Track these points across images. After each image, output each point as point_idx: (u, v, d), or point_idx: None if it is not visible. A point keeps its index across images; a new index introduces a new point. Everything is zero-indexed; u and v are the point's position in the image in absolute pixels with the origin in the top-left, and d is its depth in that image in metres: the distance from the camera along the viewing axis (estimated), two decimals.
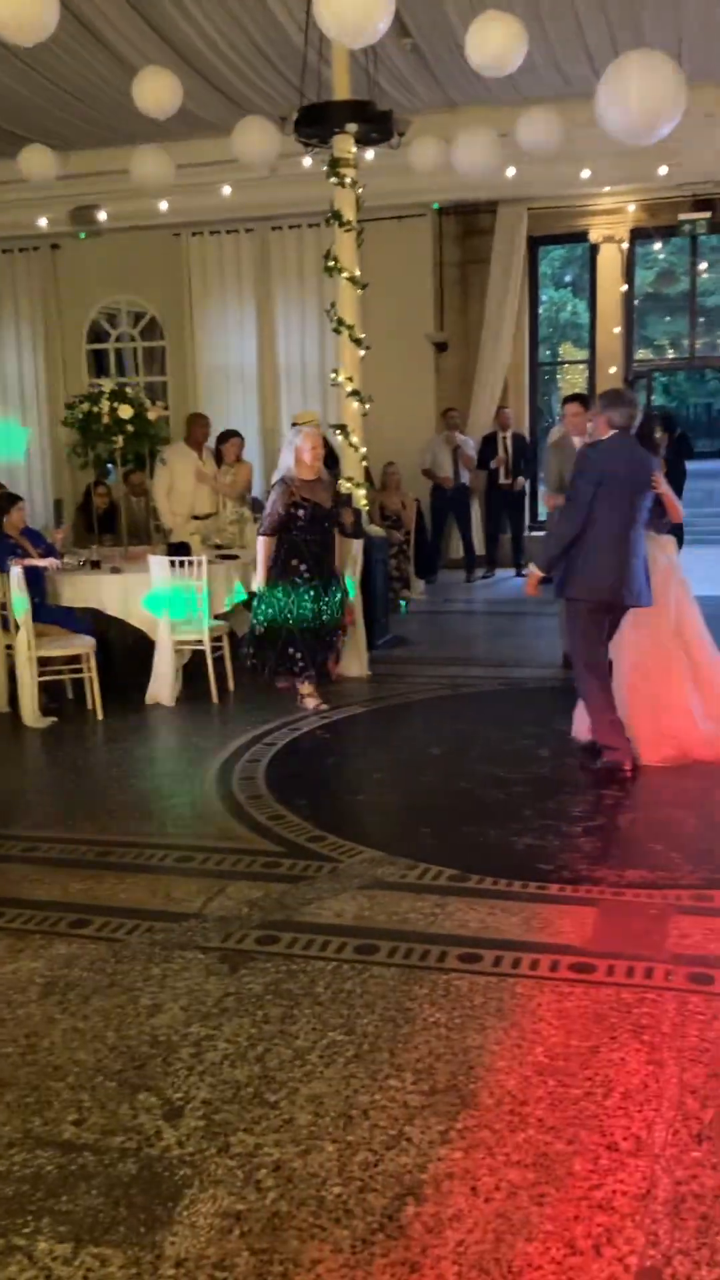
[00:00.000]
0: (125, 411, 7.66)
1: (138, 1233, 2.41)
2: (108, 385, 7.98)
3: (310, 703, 6.99)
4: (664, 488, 5.66)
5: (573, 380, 14.83)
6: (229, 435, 9.43)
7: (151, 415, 7.99)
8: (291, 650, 6.87)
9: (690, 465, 11.87)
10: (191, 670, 7.52)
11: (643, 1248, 2.32)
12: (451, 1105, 2.83)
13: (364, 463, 8.88)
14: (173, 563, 7.21)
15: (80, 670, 7.15)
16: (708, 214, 12.17)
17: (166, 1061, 3.08)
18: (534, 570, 5.74)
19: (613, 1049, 3.07)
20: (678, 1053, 3.04)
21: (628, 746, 5.54)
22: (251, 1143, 2.71)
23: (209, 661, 7.28)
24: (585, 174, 10.58)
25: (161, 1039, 3.20)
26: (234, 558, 8.01)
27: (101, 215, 11.63)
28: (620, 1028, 3.17)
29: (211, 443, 9.20)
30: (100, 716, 7.01)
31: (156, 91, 7.42)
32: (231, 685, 7.54)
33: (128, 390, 7.91)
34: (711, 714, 5.77)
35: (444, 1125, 2.75)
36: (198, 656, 7.41)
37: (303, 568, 6.87)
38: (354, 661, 7.90)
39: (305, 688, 7.03)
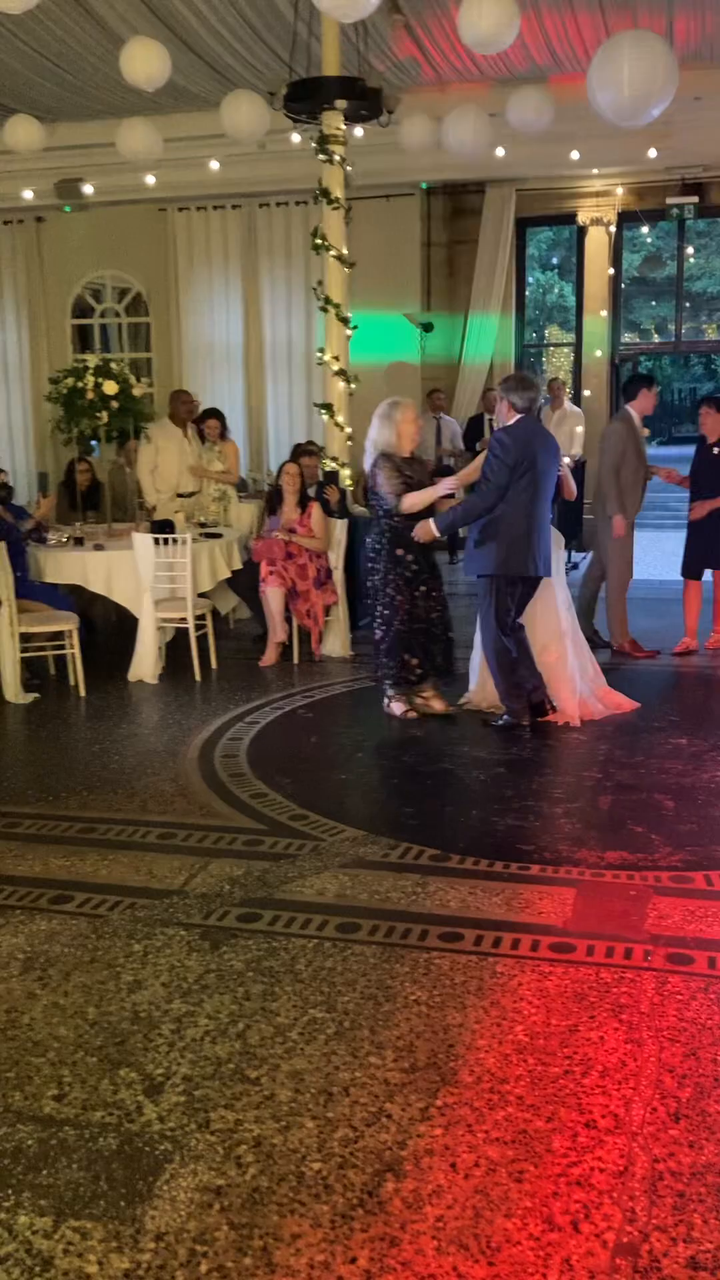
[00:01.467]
0: (110, 388, 7.60)
1: (118, 1207, 2.42)
2: (92, 360, 7.90)
3: (398, 707, 6.31)
4: (563, 468, 6.16)
5: (558, 364, 14.80)
6: (209, 414, 9.39)
7: (137, 391, 7.93)
8: (408, 657, 6.22)
9: (674, 450, 11.90)
10: (174, 648, 7.50)
11: (620, 1224, 2.34)
12: (431, 1083, 2.85)
13: (349, 442, 8.86)
14: (157, 540, 7.18)
15: (63, 647, 7.12)
16: (695, 198, 12.16)
17: (147, 1037, 3.09)
18: (431, 527, 5.99)
19: (592, 1028, 3.09)
20: (656, 1032, 3.07)
21: (525, 707, 6.03)
22: (232, 1118, 2.72)
23: (192, 639, 7.26)
24: (574, 155, 10.55)
25: (143, 1015, 3.21)
26: (218, 535, 7.98)
27: (87, 189, 11.53)
28: (599, 1007, 3.20)
29: None
30: (83, 693, 6.98)
31: (145, 63, 7.34)
32: (214, 663, 7.52)
33: (112, 366, 7.84)
34: (586, 676, 6.34)
35: (424, 1102, 2.77)
36: (181, 634, 7.39)
37: (410, 558, 6.17)
38: (337, 641, 7.90)
39: (427, 691, 6.38)
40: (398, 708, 6.34)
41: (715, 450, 7.61)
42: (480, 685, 6.48)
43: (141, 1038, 3.09)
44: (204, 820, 4.79)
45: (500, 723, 6.05)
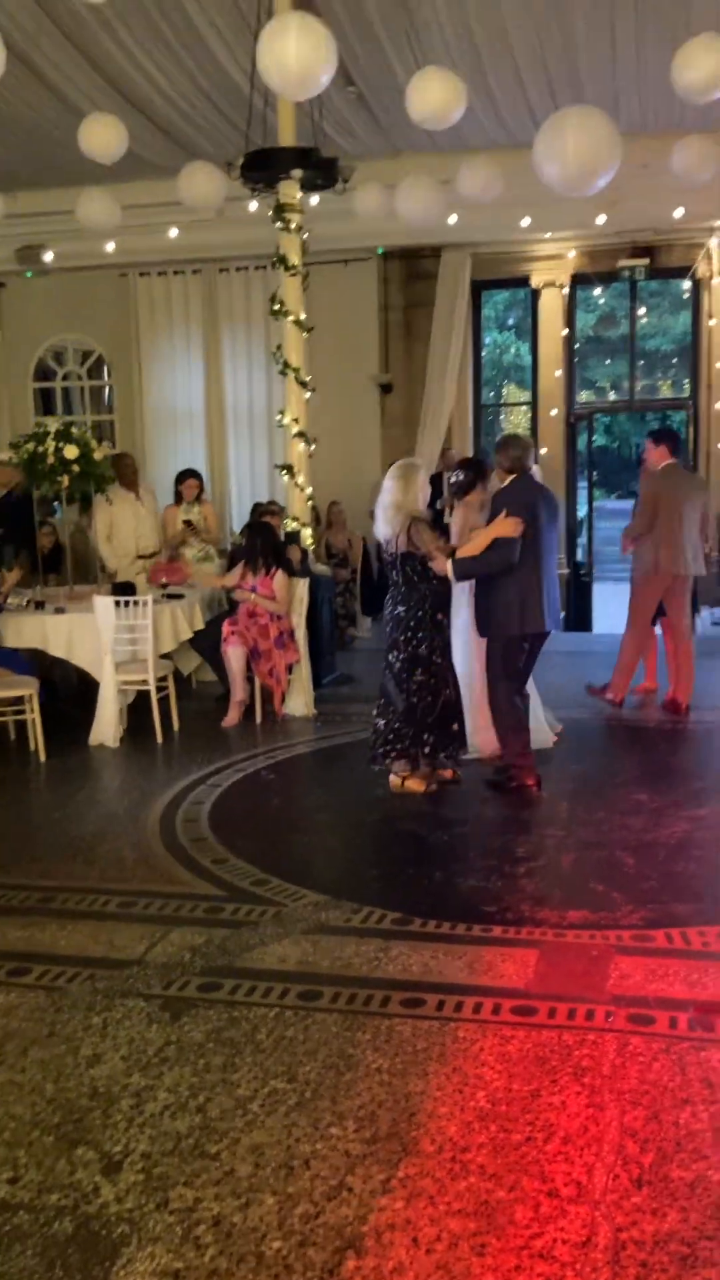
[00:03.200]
0: (71, 452, 7.64)
1: None
2: (53, 424, 7.94)
3: (417, 785, 6.04)
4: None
5: (516, 421, 15.03)
6: (187, 475, 9.45)
7: (98, 455, 7.98)
8: (456, 726, 6.02)
9: (625, 504, 12.10)
10: (136, 710, 7.47)
11: None
12: (393, 1153, 2.82)
13: (310, 502, 8.93)
14: (118, 603, 7.18)
15: (23, 711, 7.07)
16: (646, 260, 12.45)
17: (106, 1114, 3.04)
18: (448, 566, 5.79)
19: (554, 1092, 3.08)
20: (618, 1095, 3.06)
21: (533, 764, 5.94)
22: (191, 1197, 2.67)
23: (154, 701, 7.24)
24: (525, 222, 10.79)
25: (101, 1090, 3.16)
26: (180, 596, 7.99)
27: (48, 255, 11.65)
28: (561, 1071, 3.19)
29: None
30: (43, 758, 6.93)
31: (102, 137, 7.47)
32: (176, 725, 7.49)
33: (73, 430, 7.89)
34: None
35: (385, 1174, 2.74)
36: (143, 696, 7.36)
37: (446, 622, 6.05)
38: (299, 700, 7.90)
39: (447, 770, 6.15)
40: (414, 784, 6.00)
41: None
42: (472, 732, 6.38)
43: (100, 1114, 3.04)
44: (165, 887, 4.75)
45: (514, 784, 5.92)
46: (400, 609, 5.98)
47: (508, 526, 5.69)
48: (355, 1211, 2.60)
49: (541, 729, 6.64)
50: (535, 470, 6.30)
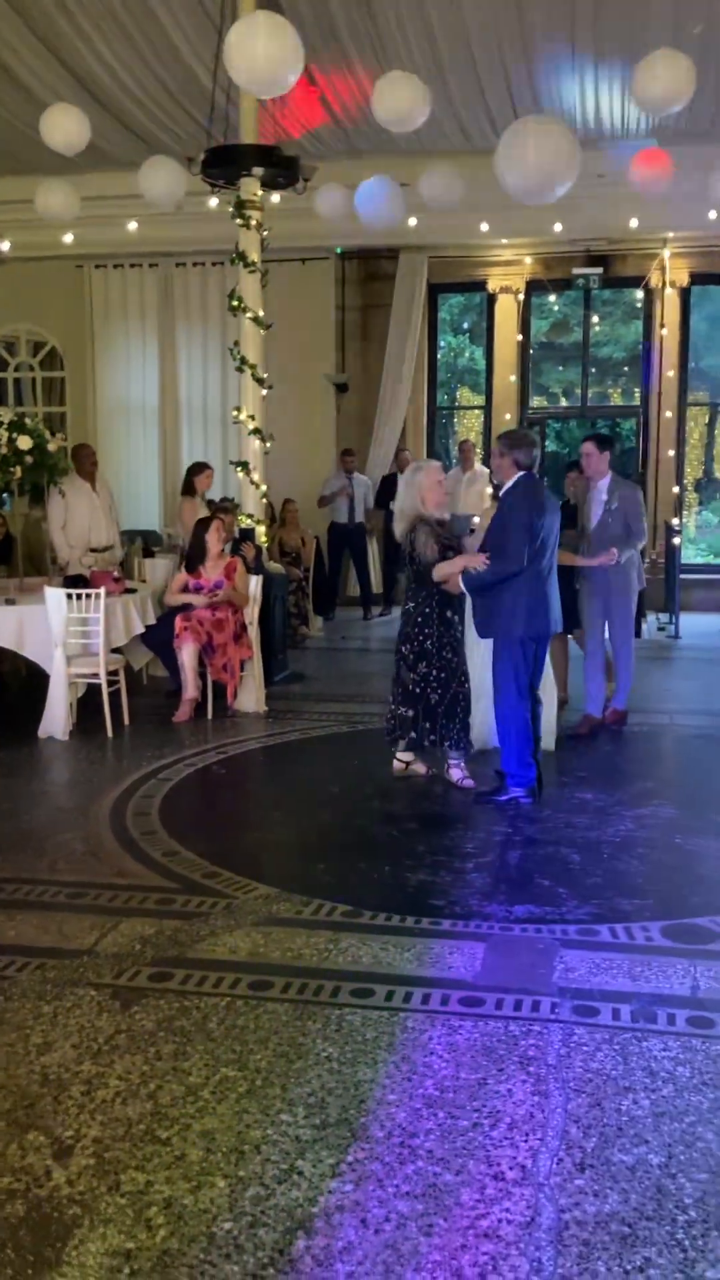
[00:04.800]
0: (24, 442, 7.60)
1: (25, 1275, 2.39)
2: (6, 415, 7.89)
3: (459, 776, 6.13)
4: None
5: (469, 424, 15.15)
6: (203, 467, 9.35)
7: (51, 446, 7.94)
8: (464, 721, 6.07)
9: None
10: (87, 704, 7.45)
11: (527, 1274, 2.39)
12: (342, 1138, 2.87)
13: (264, 499, 8.96)
14: (69, 595, 7.16)
15: None
16: (600, 269, 12.65)
17: (57, 1100, 3.05)
18: (461, 582, 5.75)
19: (500, 1081, 3.14)
20: (563, 1083, 3.13)
21: (533, 776, 5.84)
22: (142, 1180, 2.70)
23: (104, 695, 7.22)
24: (484, 227, 10.90)
25: (52, 1077, 3.17)
26: (132, 591, 7.98)
27: (4, 245, 11.55)
28: (508, 1060, 3.25)
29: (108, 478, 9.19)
30: None
31: (64, 129, 7.45)
32: (127, 719, 7.48)
33: (27, 421, 7.84)
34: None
35: (335, 1158, 2.78)
36: (93, 690, 7.35)
37: (457, 619, 6.05)
38: (251, 697, 7.92)
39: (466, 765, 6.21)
40: (457, 774, 6.10)
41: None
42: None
43: (51, 1100, 3.05)
44: (115, 879, 4.76)
45: (507, 798, 5.79)
46: (410, 604, 6.10)
47: (476, 563, 5.71)
48: (305, 1194, 2.65)
49: (551, 733, 6.64)
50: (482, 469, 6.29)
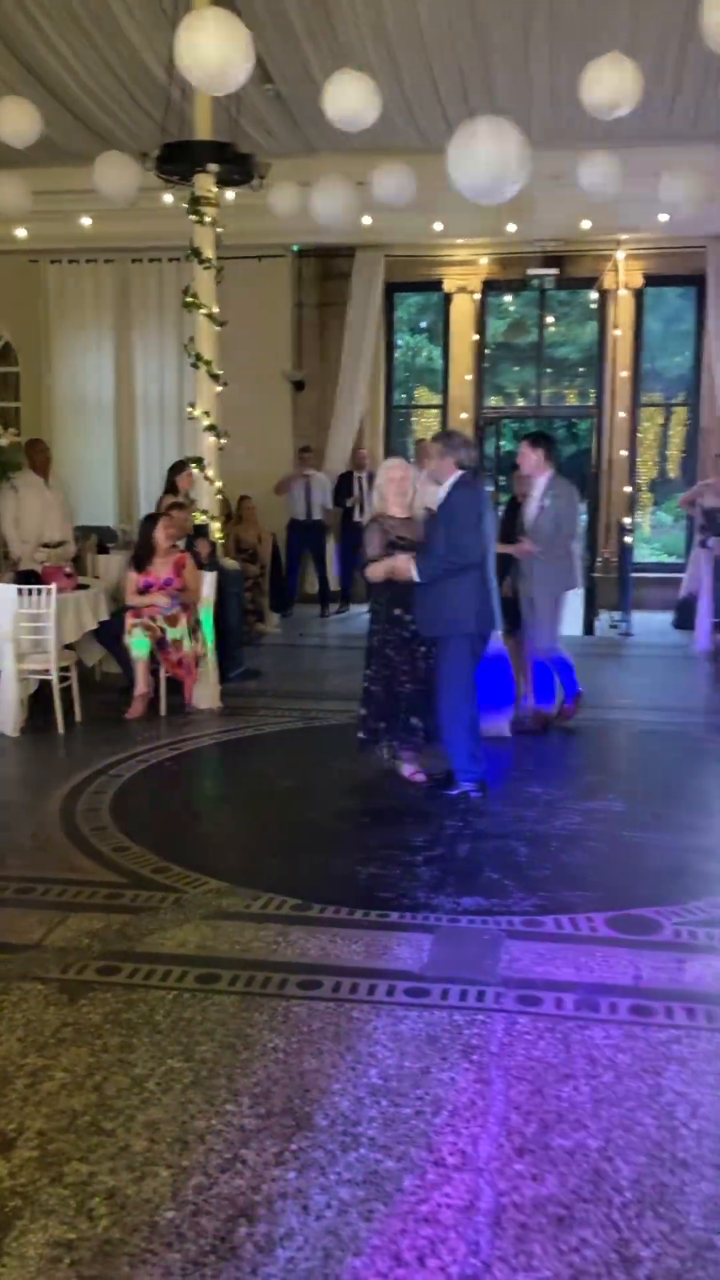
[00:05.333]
0: None
1: None
2: None
3: (411, 771, 6.15)
4: None
5: (427, 424, 15.21)
6: (184, 465, 9.22)
7: (4, 441, 7.89)
8: (415, 720, 5.97)
9: None
10: (38, 700, 7.41)
11: (464, 1257, 2.42)
12: (286, 1128, 2.89)
13: (219, 496, 8.95)
14: (20, 590, 7.12)
15: None
16: (555, 270, 12.75)
17: (1, 1093, 3.05)
18: (412, 569, 5.76)
19: (443, 1069, 3.18)
20: (505, 1071, 3.18)
21: (482, 770, 5.89)
22: (85, 1171, 2.71)
23: (55, 691, 7.19)
24: (438, 226, 10.96)
25: None
26: (84, 587, 7.95)
27: None
28: (451, 1049, 3.29)
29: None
30: None
31: (16, 121, 7.41)
32: (79, 716, 7.45)
33: None
34: None
35: (278, 1147, 2.81)
36: (45, 686, 7.31)
37: (408, 618, 5.96)
38: (206, 694, 7.91)
39: (419, 760, 6.20)
40: (407, 769, 6.11)
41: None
42: None
43: None
44: (64, 874, 4.75)
45: (458, 792, 5.82)
46: (368, 602, 6.20)
47: (401, 570, 5.79)
48: (248, 1182, 2.67)
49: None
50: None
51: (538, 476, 7.21)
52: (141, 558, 7.94)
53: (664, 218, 9.96)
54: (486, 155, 5.76)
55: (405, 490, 6.02)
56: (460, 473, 5.81)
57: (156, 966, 3.83)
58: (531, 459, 7.21)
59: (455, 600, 5.73)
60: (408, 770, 6.14)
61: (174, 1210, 2.56)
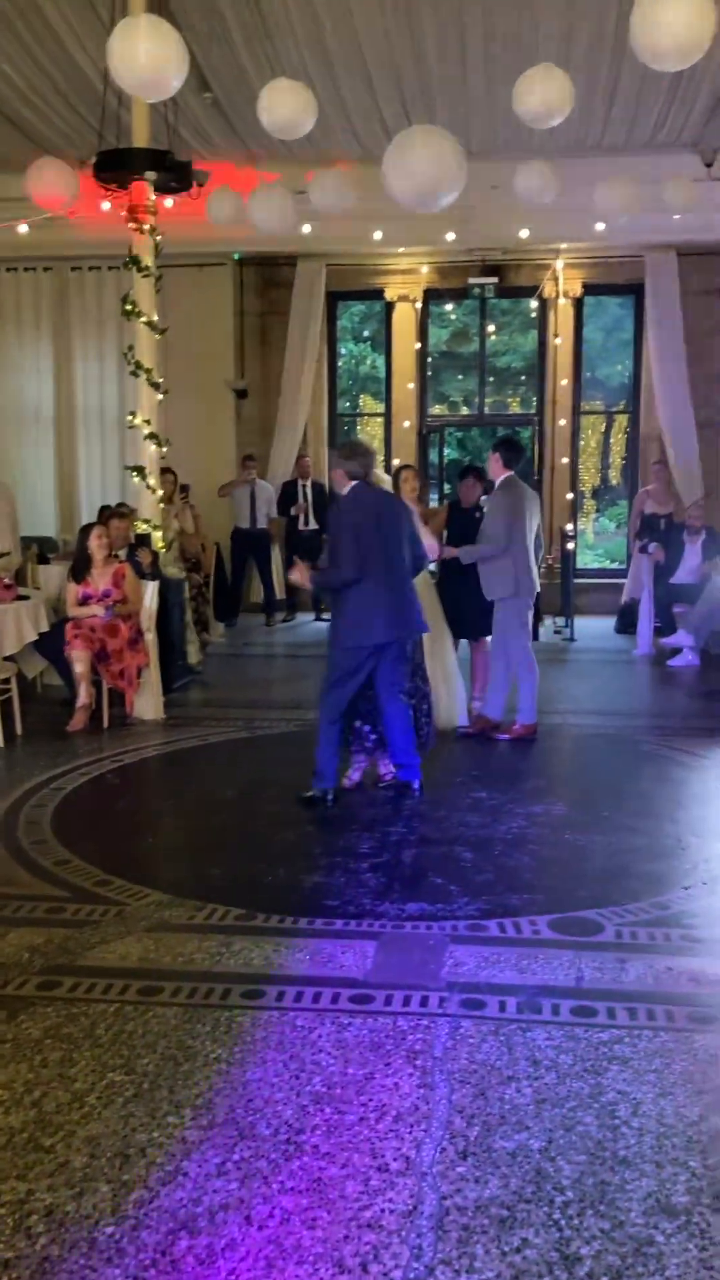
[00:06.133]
0: None
1: None
2: None
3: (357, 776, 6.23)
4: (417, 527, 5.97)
5: (371, 431, 15.25)
6: (163, 471, 9.15)
7: None
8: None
9: None
10: None
11: (407, 1261, 2.42)
12: (229, 1138, 2.87)
13: (161, 505, 8.90)
14: None
15: None
16: (495, 279, 12.85)
17: None
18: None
19: (387, 1075, 3.18)
20: (448, 1075, 3.18)
21: (330, 776, 5.92)
22: (24, 1189, 2.67)
23: None
24: (378, 235, 11.00)
25: None
26: (25, 598, 7.86)
27: None
28: (395, 1054, 3.29)
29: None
30: None
31: None
32: (19, 729, 7.35)
33: None
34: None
35: (221, 1158, 2.79)
36: None
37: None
38: (149, 704, 7.85)
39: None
40: (354, 774, 6.21)
41: (476, 514, 7.60)
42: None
43: None
44: (4, 889, 4.68)
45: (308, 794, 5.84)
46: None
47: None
48: (190, 1194, 2.64)
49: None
50: (378, 476, 6.26)
51: (497, 480, 7.29)
52: (79, 569, 7.87)
53: (600, 227, 10.07)
54: (422, 165, 5.80)
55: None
56: (352, 484, 5.86)
57: (98, 980, 3.79)
58: (491, 465, 7.37)
59: (342, 615, 5.78)
60: (352, 776, 6.17)
61: (114, 1225, 2.54)
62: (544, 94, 5.94)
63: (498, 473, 7.24)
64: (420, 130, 6.01)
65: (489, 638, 7.51)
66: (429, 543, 5.94)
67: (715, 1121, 2.95)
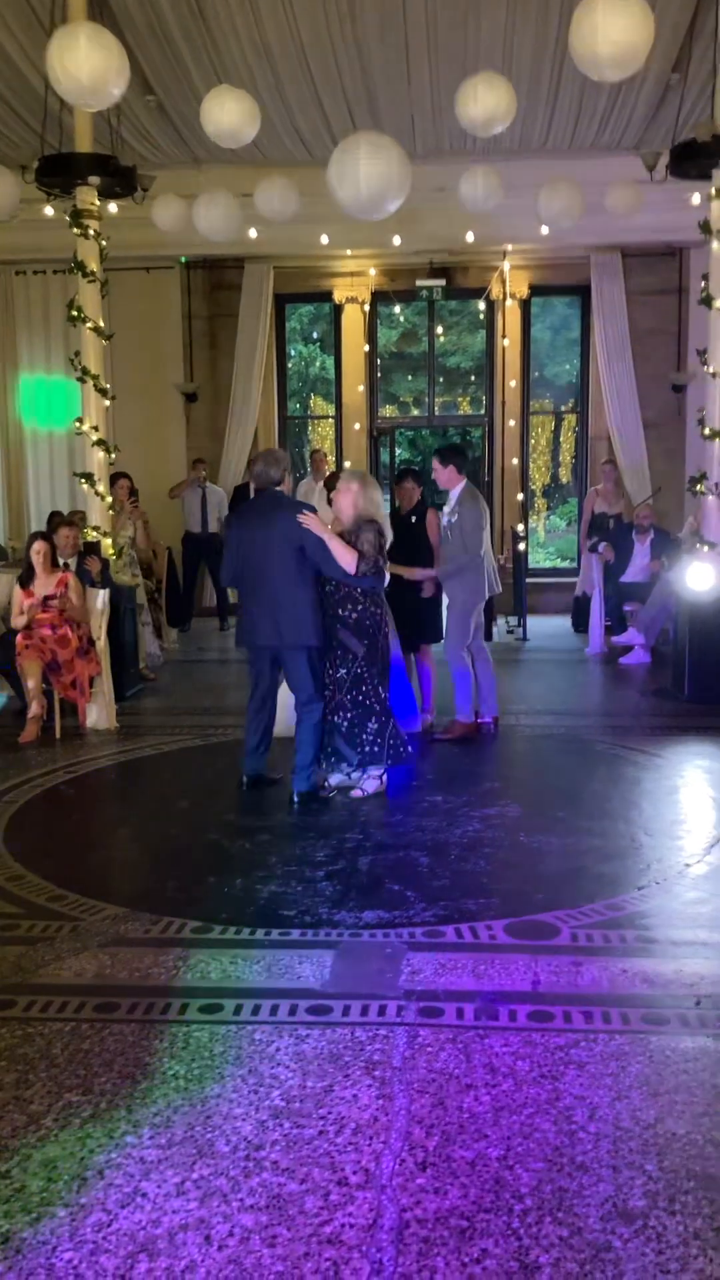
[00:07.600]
0: None
1: None
2: None
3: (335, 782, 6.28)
4: (323, 535, 5.83)
5: (323, 433, 15.25)
6: (117, 476, 8.99)
7: None
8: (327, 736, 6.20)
9: None
10: None
11: (368, 1276, 2.42)
12: (188, 1156, 2.86)
13: (111, 511, 8.84)
14: None
15: None
16: (443, 281, 12.91)
17: None
18: None
19: (346, 1086, 3.18)
20: (407, 1085, 3.19)
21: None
22: None
23: None
24: (324, 239, 11.00)
25: None
26: None
27: None
28: (354, 1065, 3.29)
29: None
30: None
31: None
32: None
33: None
34: None
35: (180, 1177, 2.77)
36: None
37: (335, 639, 6.11)
38: (102, 713, 7.80)
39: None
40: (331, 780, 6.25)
41: (413, 519, 7.43)
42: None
43: None
44: None
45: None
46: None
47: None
48: (149, 1216, 2.63)
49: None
50: (288, 485, 6.17)
51: (451, 490, 7.25)
52: (25, 577, 7.82)
53: (545, 229, 10.14)
54: (366, 172, 5.80)
55: (332, 502, 6.42)
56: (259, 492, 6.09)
57: (54, 998, 3.75)
58: (443, 475, 7.26)
59: (241, 612, 6.25)
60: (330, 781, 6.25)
61: (72, 1251, 2.51)
62: (487, 102, 5.97)
63: (454, 482, 7.23)
64: (365, 137, 6.02)
65: (433, 645, 7.54)
66: (345, 558, 5.79)
67: (671, 1124, 2.98)
